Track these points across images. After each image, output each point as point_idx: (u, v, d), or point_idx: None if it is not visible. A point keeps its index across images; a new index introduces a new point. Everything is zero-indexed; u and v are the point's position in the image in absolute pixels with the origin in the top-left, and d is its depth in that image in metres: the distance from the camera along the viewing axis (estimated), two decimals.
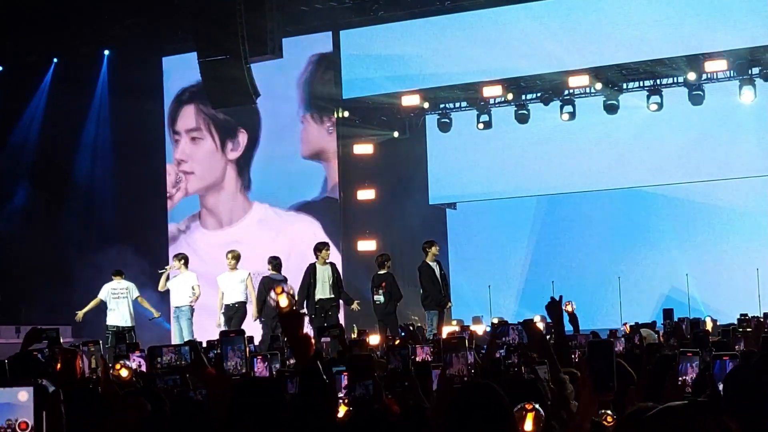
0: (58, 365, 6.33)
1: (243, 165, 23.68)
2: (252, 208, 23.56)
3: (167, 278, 18.49)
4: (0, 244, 22.66)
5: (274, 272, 17.87)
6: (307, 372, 4.56)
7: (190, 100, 23.64)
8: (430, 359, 7.12)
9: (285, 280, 17.89)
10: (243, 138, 23.65)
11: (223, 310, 18.09)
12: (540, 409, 4.28)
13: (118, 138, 23.89)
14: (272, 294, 17.35)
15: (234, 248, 18.65)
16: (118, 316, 18.44)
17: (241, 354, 5.31)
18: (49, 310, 21.70)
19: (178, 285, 18.36)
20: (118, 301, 18.46)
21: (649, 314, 17.72)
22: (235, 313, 17.97)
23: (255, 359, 6.81)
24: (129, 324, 18.52)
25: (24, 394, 3.04)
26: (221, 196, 23.78)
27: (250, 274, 18.24)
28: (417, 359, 7.07)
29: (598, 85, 22.61)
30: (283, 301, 4.66)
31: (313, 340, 4.81)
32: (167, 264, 19.24)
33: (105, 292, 18.52)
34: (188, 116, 23.91)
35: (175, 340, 18.33)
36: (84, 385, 6.24)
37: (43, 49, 23.24)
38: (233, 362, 5.29)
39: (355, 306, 17.71)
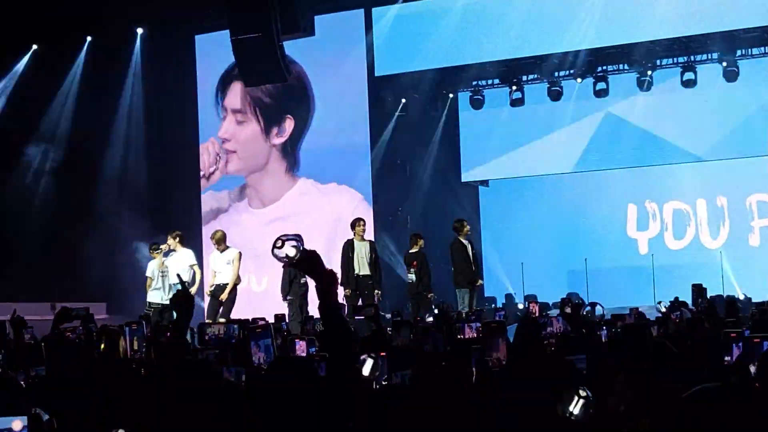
0: (102, 345, 6.37)
1: (288, 149, 23.72)
2: (296, 184, 23.62)
3: (163, 256, 18.09)
4: (32, 219, 22.76)
5: None
6: (326, 310, 4.58)
7: (238, 78, 23.54)
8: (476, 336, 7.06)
9: None
10: (289, 124, 23.66)
11: (212, 289, 17.78)
12: (590, 395, 4.17)
13: (151, 116, 23.92)
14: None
15: (218, 229, 18.52)
16: (162, 293, 18.28)
17: (267, 349, 5.31)
18: (85, 285, 21.84)
19: (175, 264, 17.81)
20: (163, 278, 18.29)
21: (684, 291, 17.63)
22: (221, 293, 17.64)
23: (296, 342, 6.83)
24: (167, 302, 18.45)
25: (18, 423, 3.05)
26: (264, 176, 23.85)
27: (240, 253, 17.96)
28: (463, 337, 7.01)
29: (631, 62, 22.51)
30: (291, 251, 4.60)
31: (336, 276, 4.79)
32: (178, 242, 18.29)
33: (152, 269, 18.34)
34: (234, 95, 23.89)
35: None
36: (128, 365, 6.30)
37: (77, 28, 23.29)
38: (257, 357, 5.30)
39: (376, 294, 17.60)
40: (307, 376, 4.39)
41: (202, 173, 24.05)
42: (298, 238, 4.58)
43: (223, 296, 17.60)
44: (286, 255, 4.53)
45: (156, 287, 18.23)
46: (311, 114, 23.59)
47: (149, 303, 18.25)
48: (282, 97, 23.56)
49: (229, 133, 23.84)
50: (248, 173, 23.96)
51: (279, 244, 4.52)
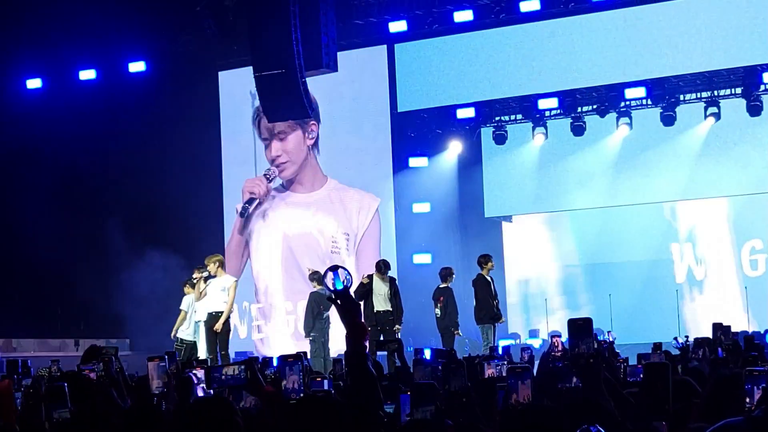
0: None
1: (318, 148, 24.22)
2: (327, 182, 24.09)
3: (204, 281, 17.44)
4: (55, 255, 22.83)
5: (319, 287, 17.82)
6: (356, 360, 4.61)
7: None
8: (497, 374, 7.00)
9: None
10: (314, 127, 23.89)
11: (204, 319, 17.34)
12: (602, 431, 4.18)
13: (175, 150, 23.98)
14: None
15: (217, 254, 18.37)
16: (193, 329, 18.13)
17: (299, 376, 5.39)
18: (108, 322, 21.90)
19: (214, 289, 17.39)
20: (194, 314, 18.07)
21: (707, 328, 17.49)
22: (216, 323, 17.13)
23: (314, 380, 6.82)
24: (196, 339, 18.30)
25: None
26: (305, 170, 24.14)
27: (236, 281, 17.72)
28: (486, 375, 6.96)
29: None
30: (339, 283, 4.69)
31: (368, 330, 4.88)
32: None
33: (186, 304, 18.08)
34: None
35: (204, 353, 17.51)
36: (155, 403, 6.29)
37: (92, 61, 23.60)
38: (291, 384, 5.36)
39: (396, 330, 17.57)
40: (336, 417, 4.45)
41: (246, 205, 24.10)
42: (349, 276, 4.67)
43: (218, 326, 17.08)
44: (334, 285, 4.64)
45: (188, 322, 18.05)
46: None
47: (180, 339, 18.04)
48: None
49: (279, 150, 24.00)
50: (298, 170, 24.17)
51: (331, 272, 4.65)
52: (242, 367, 5.60)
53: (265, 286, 23.87)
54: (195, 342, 17.99)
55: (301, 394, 5.36)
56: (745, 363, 7.91)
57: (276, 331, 23.62)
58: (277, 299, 23.69)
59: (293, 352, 6.58)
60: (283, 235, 23.79)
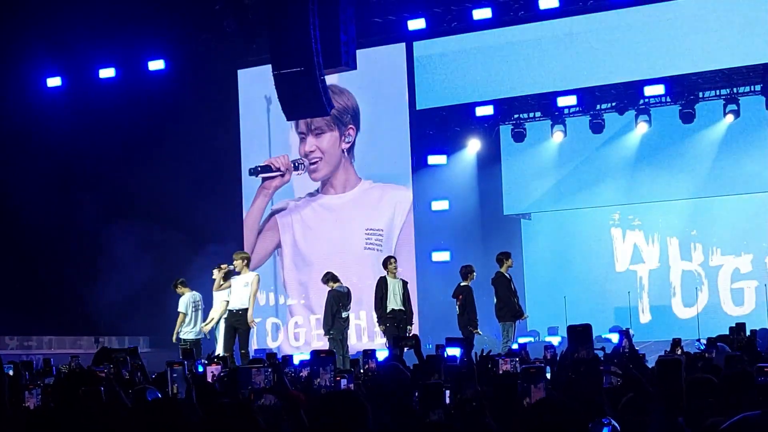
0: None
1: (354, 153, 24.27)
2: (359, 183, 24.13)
3: (224, 279, 17.31)
4: (76, 251, 22.93)
5: (337, 284, 17.95)
6: None
7: None
8: (512, 370, 6.98)
9: (348, 291, 18.06)
10: (352, 131, 23.94)
11: (225, 316, 17.18)
12: (616, 425, 4.22)
13: (195, 148, 24.05)
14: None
15: (245, 251, 18.32)
16: (196, 329, 18.25)
17: (331, 373, 5.50)
18: (127, 318, 21.97)
19: (237, 286, 17.11)
20: (196, 313, 18.20)
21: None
22: (237, 320, 16.88)
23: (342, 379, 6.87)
24: (200, 336, 18.35)
25: None
26: (338, 173, 24.22)
27: (258, 276, 17.46)
28: (501, 371, 6.93)
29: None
30: None
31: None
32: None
33: (184, 305, 18.19)
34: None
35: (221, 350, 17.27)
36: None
37: (112, 63, 23.71)
38: (323, 380, 5.47)
39: (409, 330, 17.60)
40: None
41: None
42: None
43: (250, 322, 16.92)
44: None
45: (189, 321, 18.05)
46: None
47: (183, 339, 18.01)
48: (344, 111, 23.75)
49: (313, 145, 24.04)
50: (331, 173, 24.20)
51: None
52: (269, 370, 5.66)
53: (291, 283, 24.00)
54: (199, 340, 18.05)
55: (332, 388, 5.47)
56: (758, 359, 7.94)
57: (298, 329, 23.73)
58: (301, 298, 23.82)
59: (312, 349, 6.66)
60: (310, 235, 23.90)
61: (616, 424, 4.27)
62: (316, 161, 24.09)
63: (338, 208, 23.98)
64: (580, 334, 5.42)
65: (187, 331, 18.07)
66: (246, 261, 17.38)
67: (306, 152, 24.23)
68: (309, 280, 23.23)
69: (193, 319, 18.05)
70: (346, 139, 24.15)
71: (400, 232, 23.21)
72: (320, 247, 23.77)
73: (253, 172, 24.32)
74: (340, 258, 22.75)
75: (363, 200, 23.83)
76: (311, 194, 24.26)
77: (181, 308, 18.19)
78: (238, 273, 17.21)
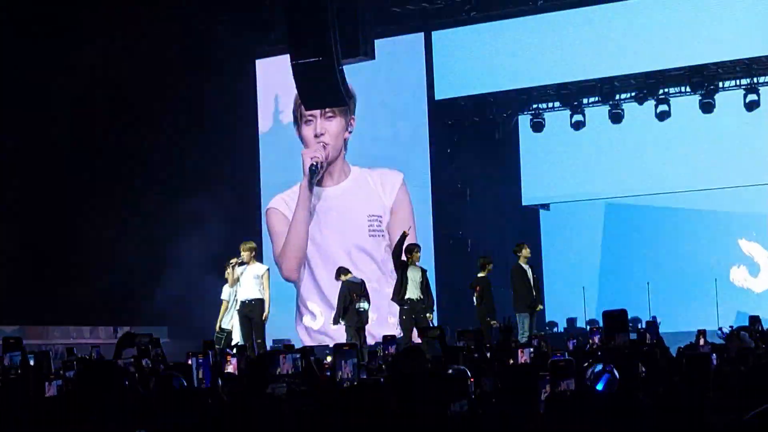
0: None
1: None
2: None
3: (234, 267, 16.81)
4: (93, 243, 22.87)
5: (350, 276, 17.91)
6: None
7: None
8: (529, 361, 6.95)
9: (362, 282, 18.00)
10: (353, 122, 24.01)
11: (237, 307, 16.90)
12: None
13: (212, 137, 24.04)
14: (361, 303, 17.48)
15: (251, 241, 17.62)
16: (233, 320, 17.71)
17: (353, 365, 5.46)
18: (146, 308, 21.94)
19: (247, 278, 16.80)
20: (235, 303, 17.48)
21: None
22: (251, 310, 16.67)
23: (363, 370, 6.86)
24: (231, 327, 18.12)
25: None
26: (336, 162, 24.25)
27: (268, 269, 17.18)
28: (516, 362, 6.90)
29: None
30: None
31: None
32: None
33: (227, 293, 17.48)
34: None
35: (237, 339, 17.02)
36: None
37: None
38: (345, 372, 5.42)
39: (428, 318, 17.47)
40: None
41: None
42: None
43: (266, 315, 16.71)
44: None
45: (229, 310, 17.74)
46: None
47: (222, 329, 17.48)
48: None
49: (324, 128, 24.01)
50: (332, 162, 24.25)
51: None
52: (297, 356, 5.66)
53: (307, 276, 24.05)
54: (230, 330, 17.89)
55: (355, 382, 5.42)
56: None
57: (314, 323, 23.79)
58: (316, 291, 23.86)
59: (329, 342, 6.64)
60: (319, 228, 23.92)
61: (616, 372, 4.22)
62: (326, 145, 24.13)
63: (338, 198, 24.06)
64: (616, 319, 5.29)
65: (227, 321, 17.77)
66: (253, 252, 17.10)
67: (317, 133, 24.22)
68: (324, 274, 23.21)
69: (233, 308, 17.73)
70: (349, 129, 24.22)
71: (391, 211, 23.37)
72: (333, 239, 23.82)
73: (315, 168, 24.12)
74: (347, 248, 22.86)
75: (358, 187, 23.92)
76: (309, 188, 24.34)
77: (224, 296, 17.78)
78: (246, 263, 16.91)
